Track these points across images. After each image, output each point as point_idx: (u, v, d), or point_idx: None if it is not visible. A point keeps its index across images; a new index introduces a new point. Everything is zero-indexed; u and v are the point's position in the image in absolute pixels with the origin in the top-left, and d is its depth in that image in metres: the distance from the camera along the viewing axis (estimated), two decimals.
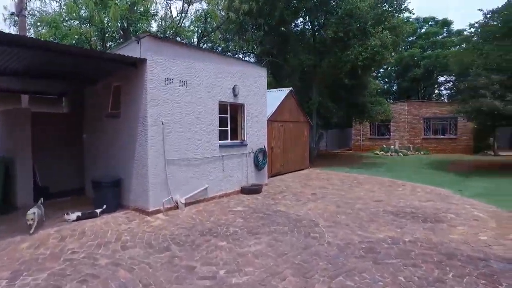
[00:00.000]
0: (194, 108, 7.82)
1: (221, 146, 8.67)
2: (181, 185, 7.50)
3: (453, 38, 28.33)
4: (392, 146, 23.10)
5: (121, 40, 19.05)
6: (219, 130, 8.65)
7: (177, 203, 7.29)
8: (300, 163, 14.19)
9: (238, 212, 7.21)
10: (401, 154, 22.04)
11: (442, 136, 23.68)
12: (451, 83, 27.22)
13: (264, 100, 10.41)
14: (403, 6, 13.76)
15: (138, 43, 6.90)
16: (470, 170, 14.00)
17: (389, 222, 6.32)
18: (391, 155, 22.13)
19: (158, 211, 6.95)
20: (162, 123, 6.99)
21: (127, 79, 7.30)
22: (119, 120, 7.63)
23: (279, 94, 12.92)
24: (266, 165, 10.44)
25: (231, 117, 9.27)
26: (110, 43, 19.95)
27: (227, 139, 9.15)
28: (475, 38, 14.03)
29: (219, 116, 8.65)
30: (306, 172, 13.55)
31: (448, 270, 4.18)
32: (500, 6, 13.99)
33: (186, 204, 7.49)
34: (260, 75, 10.19)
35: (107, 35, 18.90)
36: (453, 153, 22.69)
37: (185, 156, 7.59)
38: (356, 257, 4.63)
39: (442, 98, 32.64)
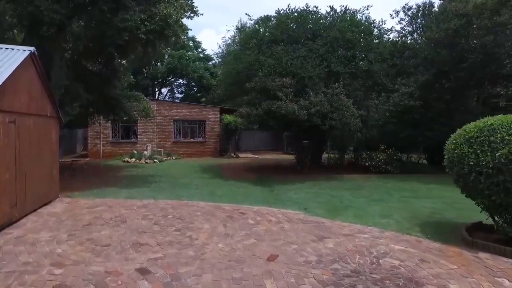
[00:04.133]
0: None
1: None
2: None
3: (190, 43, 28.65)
4: (145, 152, 19.49)
5: None
6: None
7: None
8: (46, 192, 7.77)
9: None
10: (156, 160, 18.92)
11: (192, 140, 22.82)
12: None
13: None
14: None
15: None
16: (249, 177, 13.19)
17: None
18: (146, 162, 18.51)
19: None
20: None
21: None
22: None
23: (6, 56, 6.20)
24: None
25: None
26: None
27: None
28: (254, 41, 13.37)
29: None
30: (63, 209, 7.45)
31: None
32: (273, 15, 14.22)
33: None
34: None
35: None
36: (203, 156, 22.29)
37: None
38: None
39: (177, 101, 32.55)
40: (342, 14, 13.77)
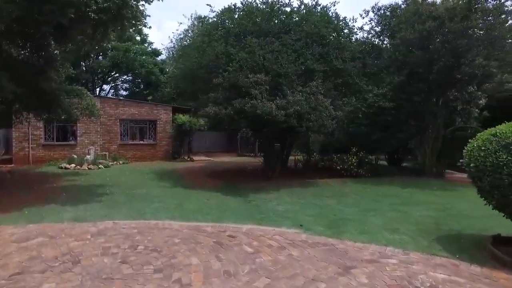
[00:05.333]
0: None
1: None
2: None
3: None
4: (87, 156, 16.85)
5: None
6: None
7: None
8: None
9: None
10: (102, 166, 16.45)
11: (141, 142, 20.49)
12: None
13: None
14: None
15: None
16: (214, 184, 11.77)
17: None
18: (89, 168, 15.95)
19: None
20: None
21: None
22: None
23: None
24: None
25: None
26: None
27: None
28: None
29: None
30: None
31: None
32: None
33: None
34: None
35: None
36: (153, 160, 20.14)
37: None
38: None
39: (121, 98, 29.45)
40: (311, 9, 12.96)
